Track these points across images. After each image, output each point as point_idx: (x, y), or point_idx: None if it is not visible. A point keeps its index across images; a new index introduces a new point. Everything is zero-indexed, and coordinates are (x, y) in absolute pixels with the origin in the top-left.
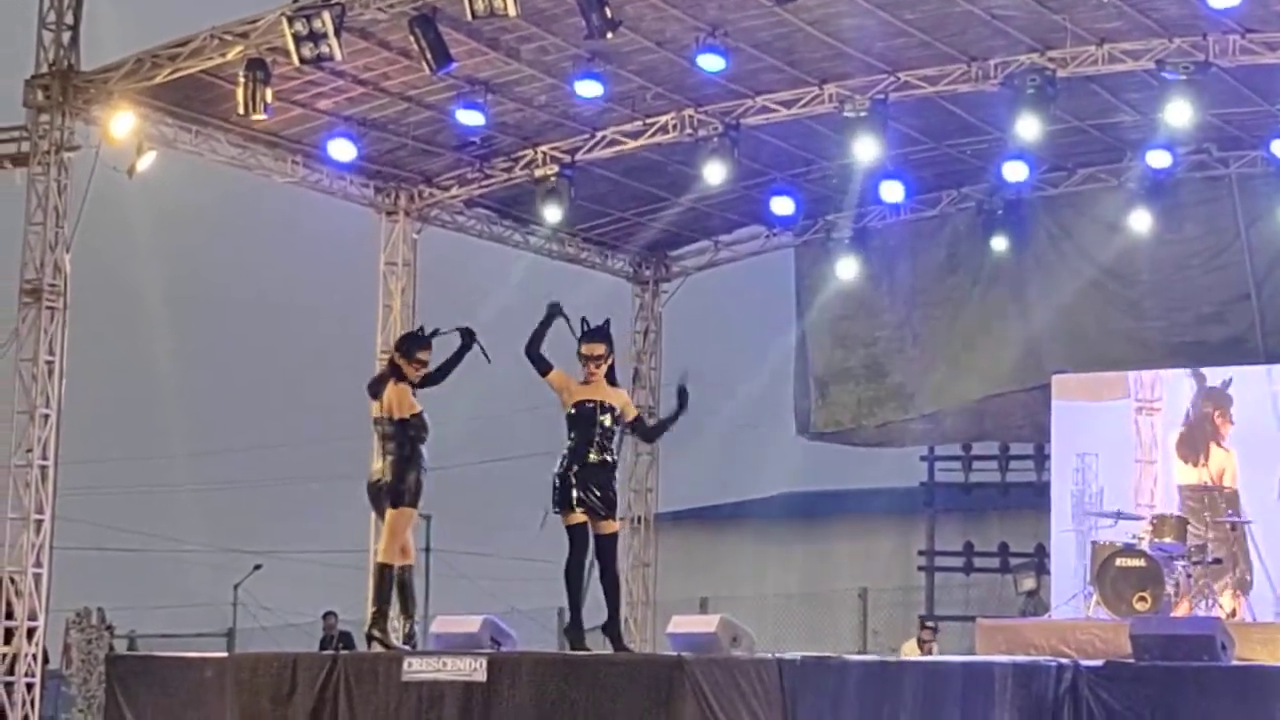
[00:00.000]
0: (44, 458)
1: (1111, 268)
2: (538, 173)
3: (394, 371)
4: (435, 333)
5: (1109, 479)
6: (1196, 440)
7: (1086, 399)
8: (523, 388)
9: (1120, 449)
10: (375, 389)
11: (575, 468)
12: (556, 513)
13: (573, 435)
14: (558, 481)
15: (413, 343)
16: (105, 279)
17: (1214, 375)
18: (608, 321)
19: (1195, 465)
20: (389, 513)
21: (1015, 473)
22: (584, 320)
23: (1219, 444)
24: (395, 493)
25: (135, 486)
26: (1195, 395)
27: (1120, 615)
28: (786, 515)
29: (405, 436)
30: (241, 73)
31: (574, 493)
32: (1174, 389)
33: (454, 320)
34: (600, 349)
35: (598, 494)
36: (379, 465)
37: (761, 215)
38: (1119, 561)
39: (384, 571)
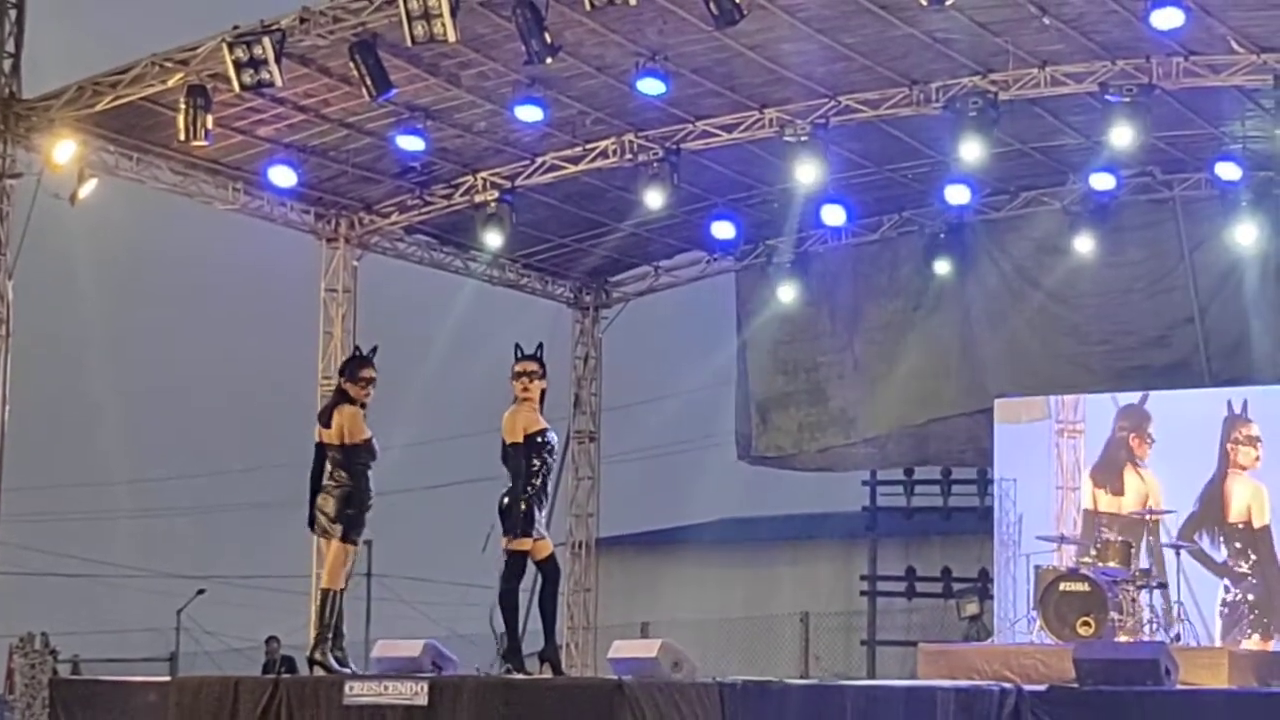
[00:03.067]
0: None
1: (1055, 291)
2: (478, 199)
3: (342, 397)
4: (374, 350)
5: (1028, 505)
6: (1112, 465)
7: (1023, 417)
8: (462, 414)
9: (1040, 474)
10: (326, 417)
11: (531, 494)
12: (515, 537)
13: (533, 461)
14: (521, 507)
15: (355, 364)
16: (45, 305)
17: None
18: (541, 346)
19: (1111, 493)
20: (334, 544)
21: (958, 497)
22: (518, 346)
23: (1136, 468)
24: (342, 526)
25: (77, 513)
26: (1114, 416)
27: (1064, 640)
28: (728, 540)
29: (355, 463)
30: (182, 100)
31: (536, 519)
32: (1097, 410)
33: (397, 347)
34: (533, 366)
35: (542, 518)
36: (324, 492)
37: (702, 240)
38: (1062, 586)
39: (328, 596)
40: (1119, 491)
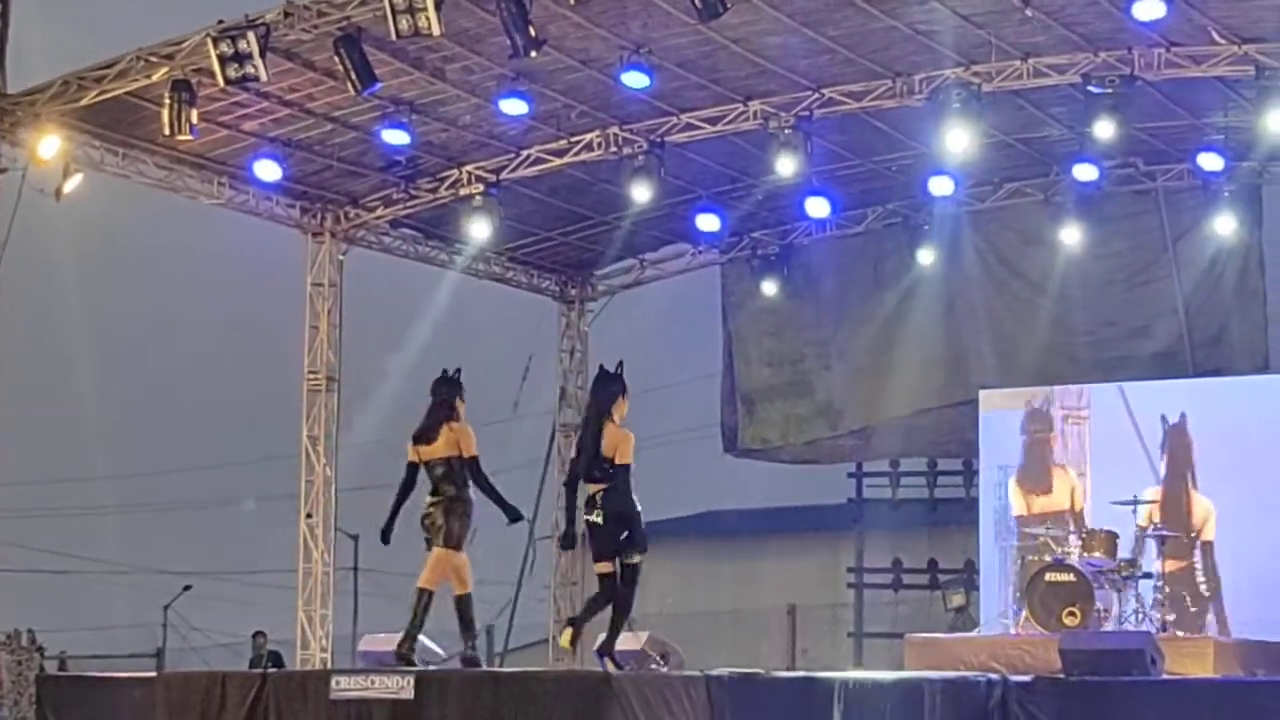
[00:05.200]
0: None
1: (1038, 282)
2: (463, 192)
3: (451, 414)
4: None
5: None
6: (1036, 467)
7: (1009, 407)
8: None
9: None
10: (432, 434)
11: None
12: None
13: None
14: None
15: (459, 385)
16: (29, 300)
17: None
18: (620, 365)
19: (1039, 494)
20: (445, 553)
21: (943, 489)
22: (620, 364)
23: (1057, 466)
24: (453, 537)
25: (62, 509)
26: (1023, 420)
27: (1050, 630)
28: (714, 533)
29: (464, 477)
30: (167, 94)
31: None
32: (1101, 397)
33: (382, 340)
34: None
35: None
36: (428, 505)
37: (687, 233)
38: (1048, 576)
39: (466, 600)
40: (1048, 490)
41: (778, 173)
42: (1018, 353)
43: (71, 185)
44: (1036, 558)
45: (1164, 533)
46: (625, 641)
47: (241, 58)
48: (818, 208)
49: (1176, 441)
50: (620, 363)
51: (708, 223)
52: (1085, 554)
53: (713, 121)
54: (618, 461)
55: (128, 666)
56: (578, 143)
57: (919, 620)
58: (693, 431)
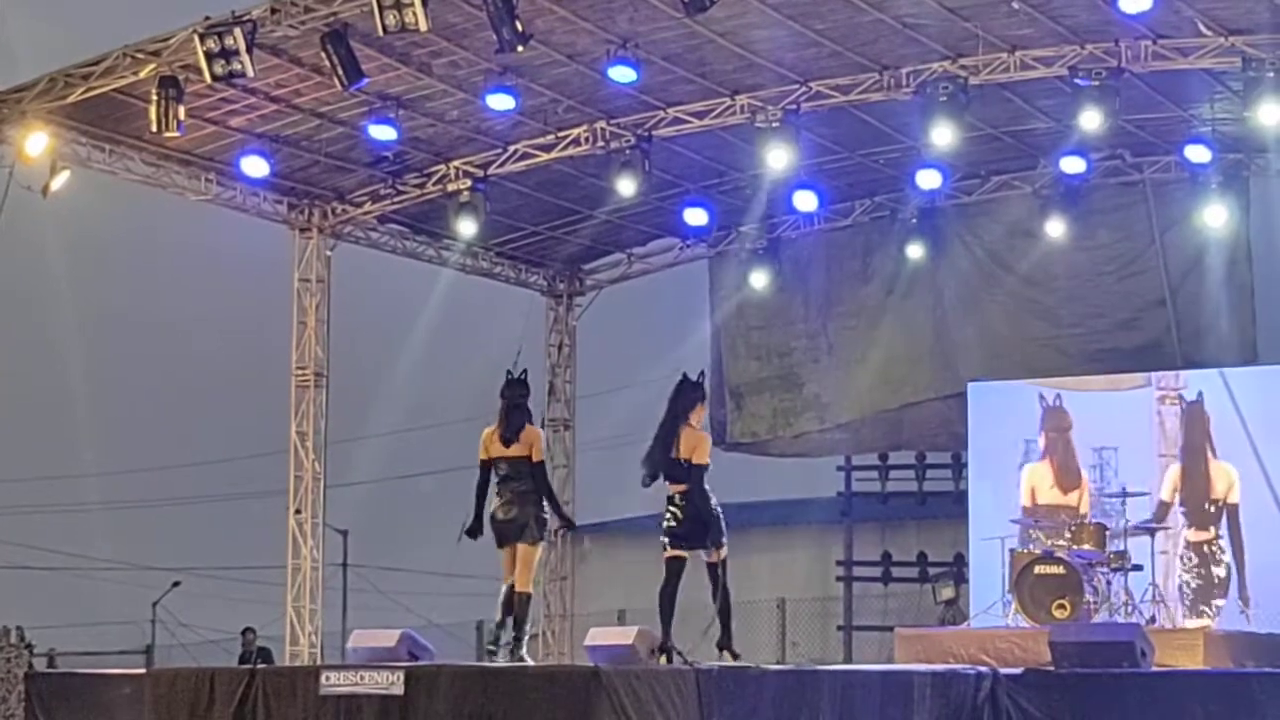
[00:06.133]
0: None
1: (1026, 275)
2: (450, 188)
3: (528, 415)
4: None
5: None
6: (1057, 463)
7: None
8: (435, 404)
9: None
10: (515, 433)
11: None
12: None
13: None
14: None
15: (528, 386)
16: (15, 298)
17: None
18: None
19: (1063, 491)
20: (527, 548)
21: (933, 482)
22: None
23: (1077, 463)
24: (533, 531)
25: (50, 505)
26: (1041, 416)
27: (1039, 623)
28: None
29: (534, 476)
30: (154, 91)
31: None
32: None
33: (370, 337)
34: None
35: None
36: (502, 502)
37: (675, 227)
38: (1037, 569)
39: (526, 599)
40: (1066, 490)
41: (766, 166)
42: (1006, 345)
43: (59, 182)
44: (1026, 550)
45: (1151, 525)
46: (615, 635)
47: (228, 54)
48: (805, 201)
49: (1194, 418)
50: (702, 372)
51: (695, 217)
52: (1075, 546)
53: (700, 115)
54: (695, 461)
55: (117, 663)
56: (565, 137)
57: (909, 613)
58: None
